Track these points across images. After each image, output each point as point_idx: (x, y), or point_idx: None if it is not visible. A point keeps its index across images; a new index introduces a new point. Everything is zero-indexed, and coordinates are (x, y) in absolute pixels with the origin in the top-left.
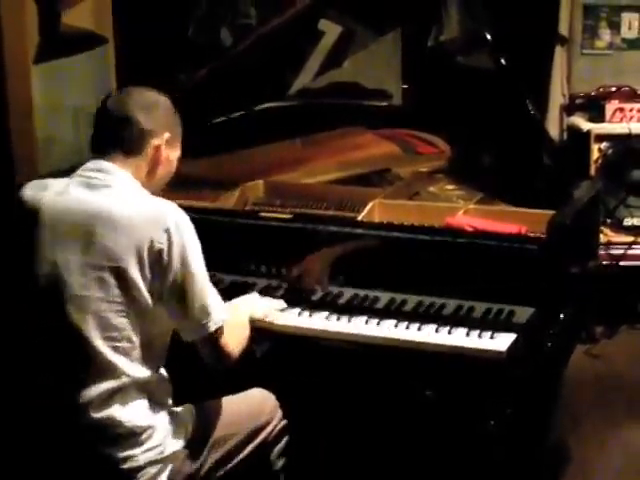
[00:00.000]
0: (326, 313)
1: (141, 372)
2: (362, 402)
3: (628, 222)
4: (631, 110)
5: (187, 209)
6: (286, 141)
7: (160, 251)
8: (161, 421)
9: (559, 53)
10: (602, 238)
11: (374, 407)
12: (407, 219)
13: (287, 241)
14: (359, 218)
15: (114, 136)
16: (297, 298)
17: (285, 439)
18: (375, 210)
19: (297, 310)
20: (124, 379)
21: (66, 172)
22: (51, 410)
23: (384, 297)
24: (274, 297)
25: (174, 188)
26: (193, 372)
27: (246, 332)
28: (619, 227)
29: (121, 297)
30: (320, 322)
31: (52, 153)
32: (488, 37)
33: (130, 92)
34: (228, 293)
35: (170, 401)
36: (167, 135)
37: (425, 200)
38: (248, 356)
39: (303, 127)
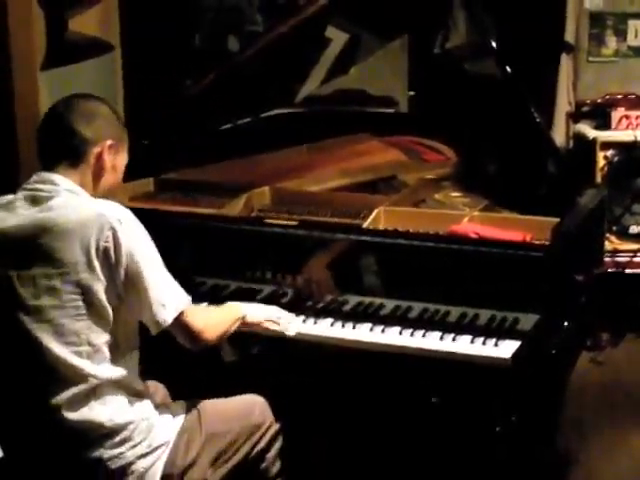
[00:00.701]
0: (331, 320)
1: (110, 372)
2: (367, 409)
3: (634, 230)
4: (637, 118)
5: (193, 216)
6: (292, 148)
7: (107, 250)
8: (143, 414)
9: (565, 61)
10: (608, 246)
11: (379, 414)
12: (412, 226)
13: (292, 248)
14: (365, 225)
15: (57, 148)
16: (302, 305)
17: (278, 444)
18: (381, 217)
19: (302, 317)
20: (93, 381)
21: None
22: (27, 420)
23: (389, 304)
24: (279, 304)
25: (180, 195)
26: (186, 373)
27: (225, 319)
28: (625, 235)
29: (75, 302)
30: (325, 329)
31: None
32: (495, 43)
33: (71, 102)
34: (233, 299)
35: (145, 396)
36: (109, 142)
37: (431, 207)
38: (243, 360)
39: (309, 134)
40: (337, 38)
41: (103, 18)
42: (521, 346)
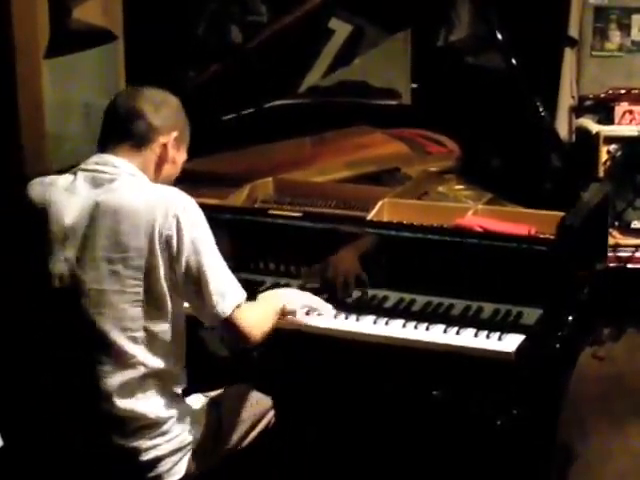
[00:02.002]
0: (334, 312)
1: (160, 362)
2: (369, 401)
3: (636, 225)
4: None
5: None
6: (295, 139)
7: (170, 237)
8: (180, 411)
9: (569, 55)
10: (610, 240)
11: (381, 406)
12: (416, 219)
13: (296, 239)
14: (368, 217)
15: (122, 130)
16: None
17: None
18: (384, 209)
19: (305, 309)
20: (142, 369)
21: (75, 167)
22: (74, 403)
23: (393, 297)
24: None
25: (183, 185)
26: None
27: (270, 316)
28: (627, 230)
29: (136, 288)
30: (328, 321)
31: (62, 148)
32: (499, 37)
33: (141, 89)
34: None
35: (180, 392)
36: (175, 134)
37: (434, 200)
38: (245, 354)
39: (312, 125)
40: (340, 30)
41: (106, 8)
42: (525, 340)
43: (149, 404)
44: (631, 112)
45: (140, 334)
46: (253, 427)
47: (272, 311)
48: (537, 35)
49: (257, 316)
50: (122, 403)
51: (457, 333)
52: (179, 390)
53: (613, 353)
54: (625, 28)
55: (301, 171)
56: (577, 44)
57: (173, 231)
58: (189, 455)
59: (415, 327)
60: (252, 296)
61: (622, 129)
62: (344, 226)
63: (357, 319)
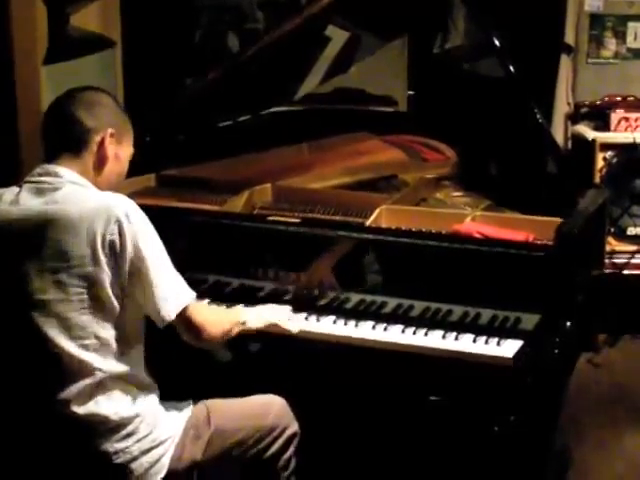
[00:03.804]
0: (333, 317)
1: (117, 366)
2: (366, 406)
3: (632, 231)
4: (636, 120)
5: (195, 212)
6: (293, 146)
7: (113, 243)
8: (149, 407)
9: (565, 62)
10: (606, 247)
11: (379, 411)
12: (414, 225)
13: (295, 245)
14: (367, 223)
15: (59, 138)
16: (304, 302)
17: (294, 446)
18: (382, 216)
19: (304, 314)
20: (99, 374)
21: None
22: (35, 415)
23: (391, 302)
24: (281, 301)
25: (181, 191)
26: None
27: (225, 319)
28: (622, 236)
29: (81, 295)
30: (327, 326)
31: None
32: (495, 44)
33: (72, 93)
34: (235, 296)
35: (151, 390)
36: (110, 130)
37: (432, 206)
38: (242, 357)
39: (309, 132)
40: (337, 37)
41: (104, 14)
42: (523, 345)
43: (111, 406)
44: (627, 119)
45: (91, 341)
46: (256, 438)
47: (231, 316)
48: (533, 42)
49: (210, 315)
50: (82, 409)
51: (456, 339)
52: (149, 387)
53: (609, 359)
54: (621, 35)
55: (299, 177)
56: (573, 51)
57: (116, 236)
58: (171, 452)
59: (414, 332)
60: (252, 301)
61: (618, 136)
62: (343, 232)
63: (356, 325)
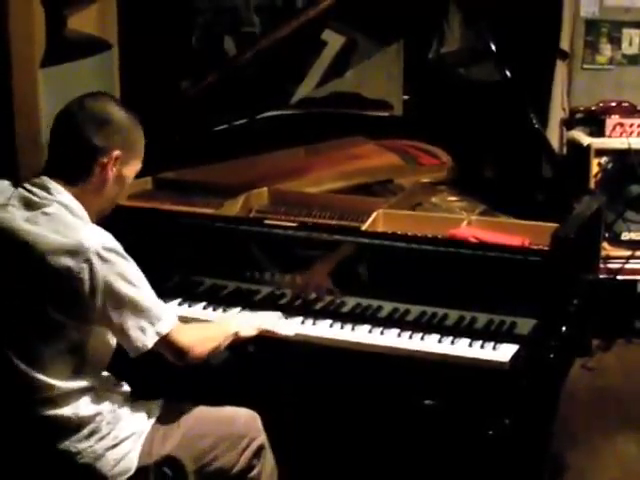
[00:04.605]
0: (329, 321)
1: (73, 384)
2: (362, 410)
3: (626, 236)
4: (631, 125)
5: (192, 216)
6: (289, 150)
7: (81, 281)
8: (109, 405)
9: (560, 67)
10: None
11: (374, 416)
12: (411, 229)
13: (291, 249)
14: (363, 228)
15: (62, 152)
16: (300, 306)
17: (269, 457)
18: (379, 220)
19: (300, 318)
20: (54, 392)
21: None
22: None
23: (387, 306)
24: (277, 305)
25: (178, 195)
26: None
27: (211, 335)
28: (617, 241)
29: (40, 322)
30: (323, 330)
31: None
32: (491, 49)
33: (84, 104)
34: (231, 299)
35: (120, 387)
36: (117, 153)
37: (428, 211)
38: (239, 360)
39: (304, 136)
40: (333, 41)
41: (101, 17)
42: (519, 350)
43: (67, 410)
44: (622, 125)
45: (47, 365)
46: (222, 448)
47: (219, 332)
48: (529, 48)
49: (195, 335)
50: (45, 412)
51: (452, 343)
52: (110, 389)
53: (603, 364)
54: (616, 41)
55: (295, 181)
56: (568, 57)
57: (86, 275)
58: (139, 448)
59: (410, 337)
60: (248, 305)
61: (613, 142)
62: (339, 236)
63: (352, 329)
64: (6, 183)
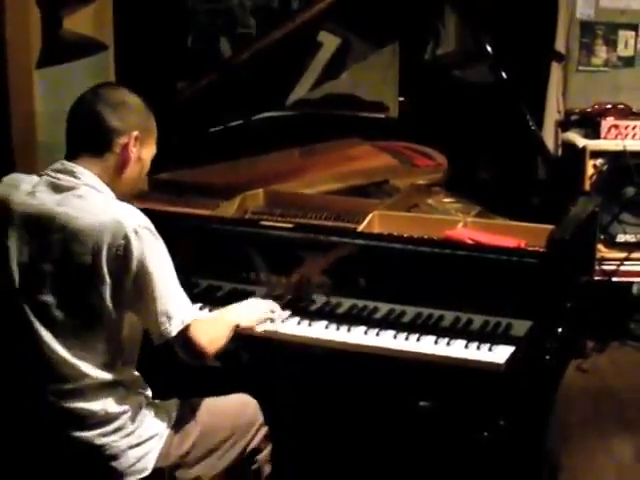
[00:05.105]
0: (325, 322)
1: (106, 374)
2: (357, 411)
3: (621, 238)
4: (626, 127)
5: (187, 217)
6: (285, 151)
7: (117, 257)
8: (136, 404)
9: (555, 69)
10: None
11: (369, 417)
12: (406, 231)
13: (287, 250)
14: (359, 229)
15: (81, 136)
16: (296, 307)
17: (269, 446)
18: (375, 221)
19: (296, 319)
20: (88, 380)
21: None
22: (23, 405)
23: (383, 307)
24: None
25: (173, 196)
26: (179, 373)
27: (222, 332)
28: (612, 243)
29: (80, 304)
30: (319, 331)
31: (53, 157)
32: (486, 50)
33: (98, 91)
34: (227, 301)
35: (146, 390)
36: (135, 133)
37: (424, 212)
38: (235, 361)
39: (300, 137)
40: (329, 43)
41: (97, 18)
42: (515, 351)
43: (96, 405)
44: (617, 127)
45: (85, 349)
46: (237, 436)
47: (225, 327)
48: (524, 49)
49: (209, 333)
50: (70, 404)
51: (448, 344)
52: (137, 388)
53: (597, 365)
54: (611, 43)
55: (290, 183)
56: (564, 59)
57: (121, 251)
58: (158, 449)
59: (406, 338)
60: None
61: (608, 143)
62: (335, 237)
63: (348, 330)
64: (23, 175)
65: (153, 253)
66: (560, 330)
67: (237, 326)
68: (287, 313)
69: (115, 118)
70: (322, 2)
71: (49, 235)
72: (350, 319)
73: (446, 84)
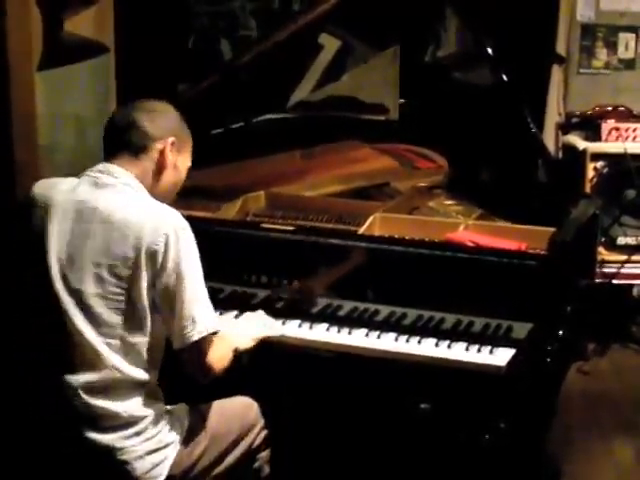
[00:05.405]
0: (326, 325)
1: (134, 371)
2: (358, 413)
3: (621, 241)
4: (627, 130)
5: (188, 219)
6: (285, 153)
7: (156, 254)
8: (156, 412)
9: (556, 72)
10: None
11: (370, 419)
12: (407, 233)
13: (289, 253)
14: (360, 231)
15: (120, 141)
16: (297, 310)
17: (269, 447)
18: (376, 224)
19: (297, 322)
20: (116, 374)
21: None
22: (46, 395)
23: (384, 310)
24: (274, 308)
25: (175, 199)
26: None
27: (228, 355)
28: (612, 246)
29: (117, 296)
30: (320, 334)
31: (54, 160)
32: (487, 53)
33: (136, 102)
34: (228, 303)
35: (161, 397)
36: (172, 139)
37: (425, 215)
38: (237, 364)
39: (300, 140)
40: (330, 45)
41: (98, 20)
42: (516, 354)
43: (122, 405)
44: (617, 129)
45: (116, 342)
46: (242, 437)
47: (229, 350)
48: (525, 52)
49: (220, 353)
50: (93, 400)
51: (448, 347)
52: (158, 396)
53: (598, 368)
54: (612, 46)
55: (292, 185)
56: (564, 61)
57: (161, 248)
58: (173, 457)
59: (407, 340)
60: (246, 307)
61: (609, 146)
62: (336, 240)
63: (349, 332)
64: (57, 178)
65: (189, 256)
66: (561, 333)
67: (236, 349)
68: (282, 328)
69: (151, 124)
70: (323, 4)
71: (90, 225)
72: (351, 322)
73: (447, 86)
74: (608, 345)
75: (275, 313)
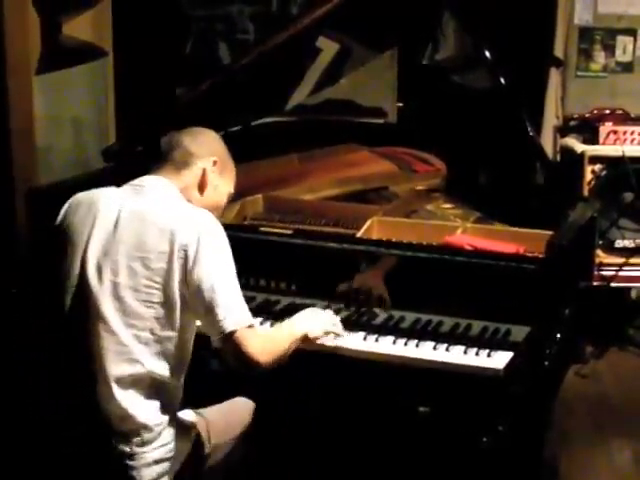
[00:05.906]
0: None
1: (159, 368)
2: (355, 416)
3: (619, 244)
4: (625, 133)
5: None
6: (283, 157)
7: (188, 249)
8: (170, 421)
9: (554, 75)
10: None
11: (369, 422)
12: (406, 237)
13: (287, 256)
14: (358, 235)
15: (164, 157)
16: (295, 313)
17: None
18: (374, 227)
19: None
20: (140, 368)
21: (66, 182)
22: (69, 383)
23: (382, 313)
24: (272, 312)
25: None
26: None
27: (282, 343)
28: (611, 249)
29: (149, 289)
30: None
31: (52, 163)
32: (485, 56)
33: (184, 127)
34: None
35: (177, 406)
36: (214, 159)
37: (423, 218)
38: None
39: (299, 143)
40: (328, 48)
41: (96, 24)
42: (514, 357)
43: (139, 407)
44: (615, 132)
45: (145, 334)
46: (241, 438)
47: (287, 337)
48: (523, 55)
49: (265, 342)
50: (119, 394)
51: (446, 350)
52: (173, 404)
53: (596, 371)
54: (610, 49)
55: (290, 188)
56: (562, 64)
57: (193, 244)
58: (178, 467)
59: (405, 344)
60: None
61: (607, 149)
62: (334, 243)
63: (347, 335)
64: (97, 189)
65: (221, 253)
66: (559, 335)
67: (305, 336)
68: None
69: (194, 144)
70: (321, 8)
71: (127, 223)
72: (349, 325)
73: (445, 89)
74: (606, 348)
75: (270, 317)
